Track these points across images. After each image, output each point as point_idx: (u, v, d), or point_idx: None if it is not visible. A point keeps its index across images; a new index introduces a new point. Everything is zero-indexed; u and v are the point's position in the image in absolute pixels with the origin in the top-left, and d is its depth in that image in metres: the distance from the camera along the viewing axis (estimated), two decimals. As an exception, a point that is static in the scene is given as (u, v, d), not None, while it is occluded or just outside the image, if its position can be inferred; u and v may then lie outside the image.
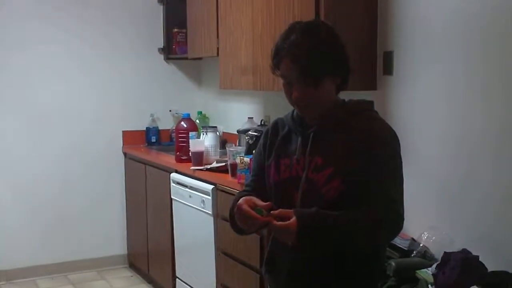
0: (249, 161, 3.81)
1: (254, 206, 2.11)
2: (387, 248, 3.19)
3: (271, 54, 2.25)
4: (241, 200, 2.16)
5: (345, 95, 2.36)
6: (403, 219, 2.15)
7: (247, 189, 2.45)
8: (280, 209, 2.09)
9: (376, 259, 2.28)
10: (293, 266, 2.26)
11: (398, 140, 2.24)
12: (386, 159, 2.17)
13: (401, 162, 2.21)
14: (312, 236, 2.04)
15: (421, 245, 3.21)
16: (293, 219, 2.03)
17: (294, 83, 2.16)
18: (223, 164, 4.45)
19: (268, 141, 2.41)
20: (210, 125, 5.47)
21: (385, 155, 2.16)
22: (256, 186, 2.42)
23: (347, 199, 2.13)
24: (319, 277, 2.22)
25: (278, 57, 2.19)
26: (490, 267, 2.84)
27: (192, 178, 4.65)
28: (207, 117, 5.87)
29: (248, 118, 4.92)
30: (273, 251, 2.37)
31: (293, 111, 2.36)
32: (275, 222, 2.04)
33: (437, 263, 2.88)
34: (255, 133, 4.24)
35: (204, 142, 4.80)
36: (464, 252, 2.85)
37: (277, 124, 2.43)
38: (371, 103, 2.31)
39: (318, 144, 2.22)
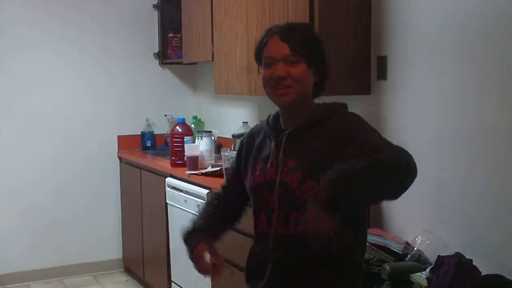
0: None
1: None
2: (381, 252, 3.22)
3: (255, 44, 2.29)
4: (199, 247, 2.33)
5: (339, 100, 2.37)
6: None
7: (217, 196, 2.57)
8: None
9: (354, 265, 2.28)
10: (273, 270, 2.25)
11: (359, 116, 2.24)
12: (368, 133, 2.14)
13: (369, 125, 2.19)
14: (342, 183, 1.94)
15: (415, 249, 3.22)
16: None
17: (279, 62, 2.18)
18: (218, 168, 4.46)
19: (244, 148, 2.44)
20: (205, 129, 5.48)
21: (365, 132, 2.14)
22: (227, 192, 2.55)
23: None
24: (299, 282, 2.22)
25: (268, 35, 2.24)
26: (484, 271, 2.86)
27: (187, 183, 4.66)
28: (202, 122, 5.89)
29: (243, 122, 4.93)
30: (254, 256, 2.38)
31: (268, 117, 2.39)
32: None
33: (431, 266, 2.89)
34: (250, 138, 4.25)
35: (199, 146, 4.81)
36: (458, 255, 2.86)
37: (253, 132, 2.46)
38: (345, 105, 2.30)
39: (291, 147, 2.23)
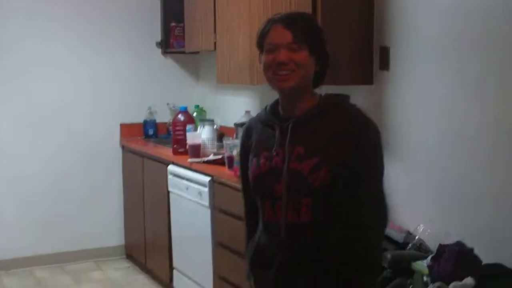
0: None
1: None
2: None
3: (257, 32, 2.29)
4: None
5: (342, 90, 2.41)
6: (388, 216, 2.27)
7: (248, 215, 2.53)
8: None
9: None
10: (283, 261, 2.26)
11: (379, 132, 2.27)
12: (370, 150, 2.21)
13: (383, 154, 2.25)
14: None
15: (416, 237, 3.24)
16: None
17: (281, 48, 2.19)
18: (220, 156, 4.49)
19: (246, 145, 2.43)
20: (207, 118, 5.50)
21: (369, 146, 2.21)
22: (250, 209, 2.50)
23: (335, 188, 2.16)
24: (309, 270, 2.24)
25: (270, 24, 2.25)
26: (485, 261, 2.88)
27: (189, 170, 4.69)
28: (204, 111, 5.91)
29: (245, 111, 4.94)
30: (262, 246, 2.36)
31: (265, 108, 2.39)
32: None
33: (432, 255, 2.92)
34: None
35: (201, 135, 4.84)
36: (459, 244, 2.89)
37: (250, 126, 2.45)
38: (347, 96, 2.32)
39: (298, 134, 2.22)
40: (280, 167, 2.22)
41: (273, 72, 2.22)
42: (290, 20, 2.23)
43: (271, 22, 2.25)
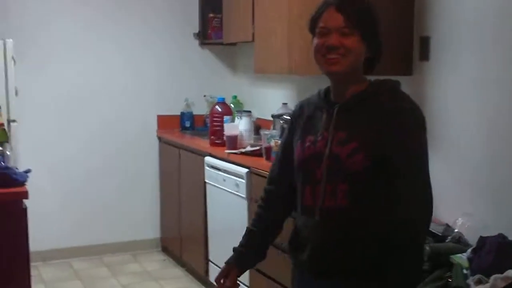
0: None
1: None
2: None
3: (312, 14, 2.26)
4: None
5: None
6: (432, 200, 2.18)
7: (269, 188, 2.52)
8: None
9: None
10: (317, 242, 2.25)
11: (424, 118, 2.21)
12: (413, 140, 2.16)
13: (426, 141, 2.20)
14: None
15: (455, 230, 3.20)
16: None
17: (333, 32, 2.17)
18: (258, 148, 4.47)
19: (295, 123, 2.42)
20: (245, 110, 5.48)
21: (410, 132, 2.16)
22: (277, 177, 2.50)
23: (372, 174, 2.12)
24: (347, 242, 2.20)
25: (324, 6, 2.21)
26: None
27: (226, 162, 4.67)
28: (241, 103, 5.88)
29: (283, 103, 4.91)
30: (299, 229, 2.36)
31: (319, 91, 2.36)
32: None
33: (473, 247, 2.86)
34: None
35: (239, 126, 4.81)
36: (501, 236, 2.83)
37: (302, 106, 2.43)
38: (397, 82, 2.28)
39: (343, 119, 2.21)
40: (323, 151, 2.21)
41: (322, 55, 2.21)
42: (344, 3, 2.18)
43: (326, 5, 2.22)
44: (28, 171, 3.65)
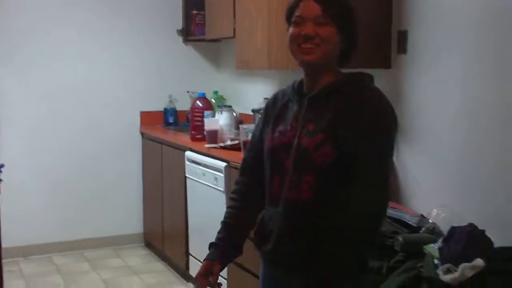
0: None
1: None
2: (395, 224, 3.22)
3: (289, 3, 2.27)
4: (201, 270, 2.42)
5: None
6: (386, 202, 2.23)
7: (242, 179, 2.51)
8: None
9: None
10: (281, 236, 2.25)
11: (394, 115, 2.21)
12: (377, 135, 2.15)
13: (393, 139, 2.20)
14: None
15: (430, 221, 3.20)
16: None
17: (308, 21, 2.17)
18: (237, 142, 4.48)
19: (268, 114, 2.41)
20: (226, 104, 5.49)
21: (376, 130, 2.15)
22: (249, 168, 2.49)
23: (339, 167, 2.13)
24: (309, 235, 2.20)
25: None
26: (498, 245, 2.82)
27: (206, 156, 4.68)
28: (224, 98, 5.88)
29: (264, 98, 4.91)
30: (265, 219, 2.36)
31: (293, 82, 2.37)
32: None
33: (444, 237, 2.87)
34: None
35: (219, 121, 4.82)
36: (471, 226, 2.83)
37: (276, 96, 2.43)
38: (369, 75, 2.28)
39: (312, 111, 2.22)
40: (292, 142, 2.22)
41: (297, 44, 2.21)
42: None
43: None
44: (1, 165, 3.62)
